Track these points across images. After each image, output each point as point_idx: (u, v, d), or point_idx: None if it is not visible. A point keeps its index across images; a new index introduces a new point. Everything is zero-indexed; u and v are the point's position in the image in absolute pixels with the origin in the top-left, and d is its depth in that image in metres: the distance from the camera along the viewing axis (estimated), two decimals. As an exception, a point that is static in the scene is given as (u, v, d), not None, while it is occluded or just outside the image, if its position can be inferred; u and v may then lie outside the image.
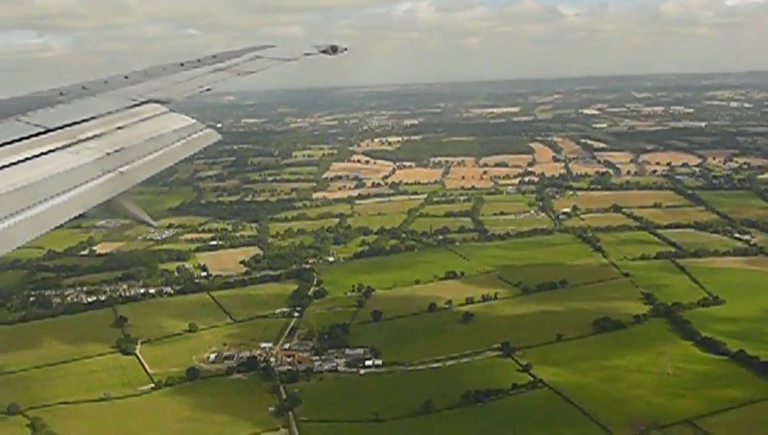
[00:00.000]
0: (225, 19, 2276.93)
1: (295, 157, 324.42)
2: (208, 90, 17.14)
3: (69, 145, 10.72)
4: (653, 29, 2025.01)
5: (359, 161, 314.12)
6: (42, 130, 11.11)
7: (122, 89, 15.32)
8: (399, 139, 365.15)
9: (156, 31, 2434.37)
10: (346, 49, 23.29)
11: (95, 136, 11.52)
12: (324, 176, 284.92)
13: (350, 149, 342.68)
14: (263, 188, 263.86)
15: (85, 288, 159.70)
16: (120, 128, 12.32)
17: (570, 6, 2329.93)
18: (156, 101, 14.34)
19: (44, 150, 10.22)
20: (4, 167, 9.50)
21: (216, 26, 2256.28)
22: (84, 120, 12.15)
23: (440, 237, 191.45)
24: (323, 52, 22.51)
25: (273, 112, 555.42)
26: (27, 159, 9.87)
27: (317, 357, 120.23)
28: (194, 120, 13.70)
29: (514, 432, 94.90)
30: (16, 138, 10.60)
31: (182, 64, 19.21)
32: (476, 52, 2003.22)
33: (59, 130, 11.25)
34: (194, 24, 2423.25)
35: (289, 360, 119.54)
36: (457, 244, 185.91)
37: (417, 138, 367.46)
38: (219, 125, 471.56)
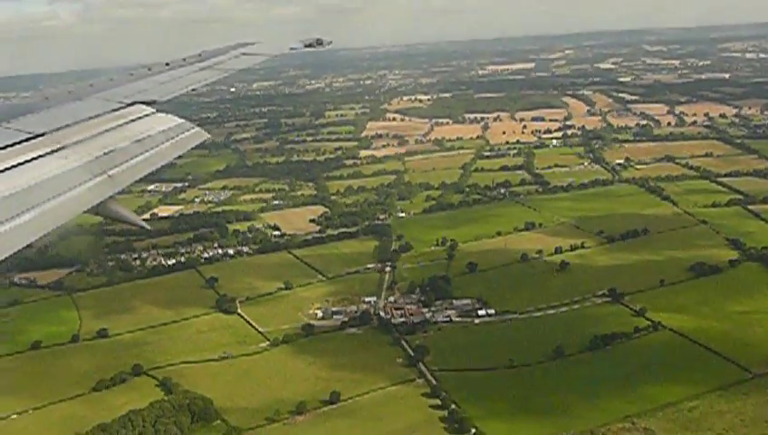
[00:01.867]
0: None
1: (328, 117, 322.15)
2: (194, 90, 17.07)
3: (57, 150, 10.61)
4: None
5: (393, 119, 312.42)
6: (29, 135, 10.92)
7: (108, 91, 15.26)
8: (428, 96, 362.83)
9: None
10: (331, 42, 23.37)
11: (83, 140, 11.38)
12: (363, 134, 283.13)
13: (382, 107, 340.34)
14: (305, 149, 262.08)
15: (161, 251, 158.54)
16: (107, 131, 12.21)
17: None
18: (142, 103, 14.30)
19: (33, 156, 10.09)
20: None
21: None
22: (71, 125, 11.99)
23: (502, 190, 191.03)
24: (308, 46, 22.67)
25: (283, 75, 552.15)
26: (15, 165, 9.69)
27: (426, 309, 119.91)
28: (182, 120, 13.61)
29: (655, 372, 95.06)
30: (3, 145, 10.39)
31: (167, 64, 19.13)
32: (479, 9, 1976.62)
33: (46, 136, 11.08)
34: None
35: (399, 312, 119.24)
36: (522, 196, 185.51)
37: (446, 95, 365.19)
38: (233, 89, 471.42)
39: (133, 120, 13.14)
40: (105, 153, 11.11)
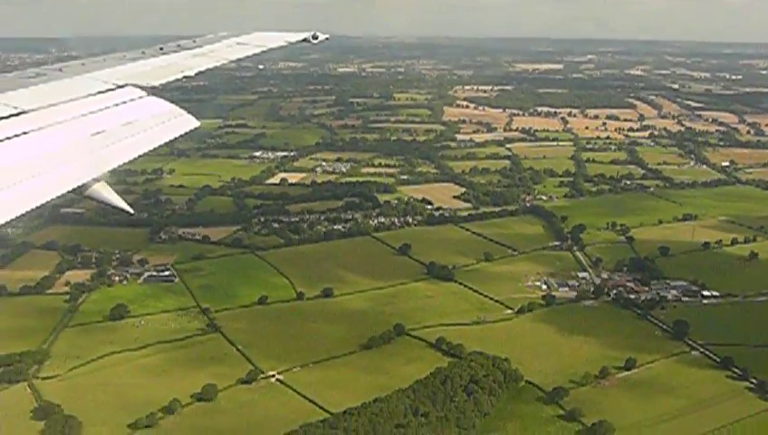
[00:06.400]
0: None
1: (398, 100, 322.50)
2: (187, 76, 17.08)
3: (44, 127, 10.48)
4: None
5: (466, 107, 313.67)
6: (17, 111, 10.83)
7: (100, 72, 15.25)
8: (489, 87, 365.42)
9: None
10: (328, 37, 24.19)
11: (72, 118, 11.30)
12: (444, 119, 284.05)
13: (449, 94, 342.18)
14: (395, 128, 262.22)
15: (313, 217, 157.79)
16: (97, 111, 12.16)
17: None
18: (135, 85, 14.32)
19: (19, 132, 9.95)
20: None
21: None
22: (61, 103, 11.92)
23: (628, 182, 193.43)
24: (304, 40, 23.42)
25: (305, 57, 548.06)
26: (1, 140, 9.64)
27: (646, 287, 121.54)
28: (172, 105, 13.61)
29: None
30: None
31: (161, 48, 19.49)
32: (491, 8, 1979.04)
33: (34, 112, 10.96)
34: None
35: (620, 289, 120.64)
36: (651, 189, 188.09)
37: (508, 88, 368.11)
38: (261, 66, 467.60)
39: (124, 103, 13.08)
40: (94, 133, 11.06)
